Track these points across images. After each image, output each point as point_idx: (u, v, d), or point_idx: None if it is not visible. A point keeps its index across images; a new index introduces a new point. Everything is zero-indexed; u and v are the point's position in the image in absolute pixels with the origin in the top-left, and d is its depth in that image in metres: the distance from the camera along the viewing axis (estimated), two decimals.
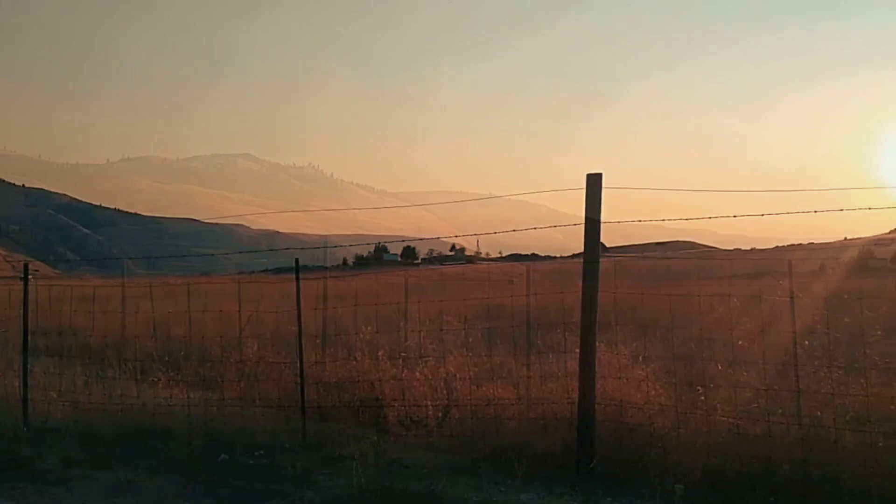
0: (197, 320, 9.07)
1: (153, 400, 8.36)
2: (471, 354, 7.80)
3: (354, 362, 7.96)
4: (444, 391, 7.36)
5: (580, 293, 6.29)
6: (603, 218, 6.25)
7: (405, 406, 7.23)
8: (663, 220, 6.78)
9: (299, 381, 7.54)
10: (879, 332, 6.26)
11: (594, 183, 6.30)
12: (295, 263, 7.69)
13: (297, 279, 7.61)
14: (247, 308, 11.74)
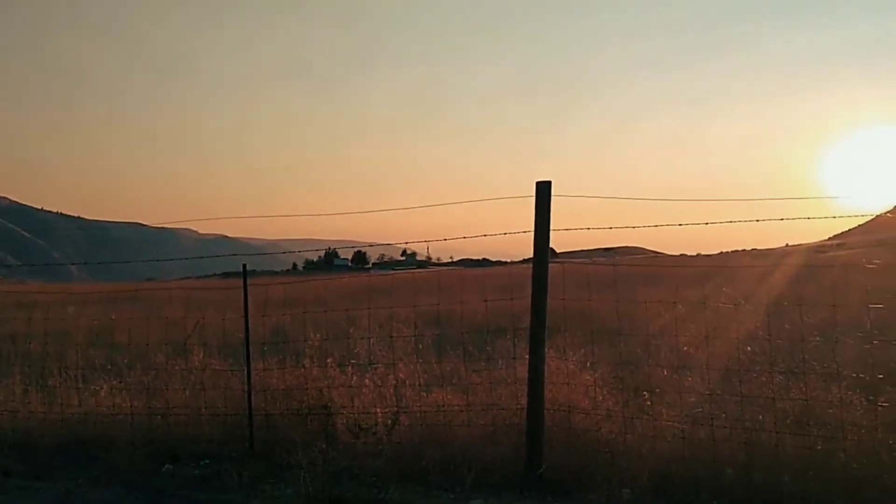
0: (141, 327, 8.89)
1: (95, 409, 8.18)
2: (421, 361, 7.80)
3: (303, 369, 7.88)
4: (394, 398, 7.35)
5: (530, 299, 6.35)
6: (553, 225, 6.31)
7: (354, 413, 7.19)
8: (611, 228, 6.89)
9: (246, 389, 7.45)
10: (818, 338, 6.43)
11: (543, 191, 6.36)
12: (242, 269, 7.60)
13: (245, 286, 7.51)
14: (193, 315, 11.56)
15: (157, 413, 7.94)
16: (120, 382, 8.54)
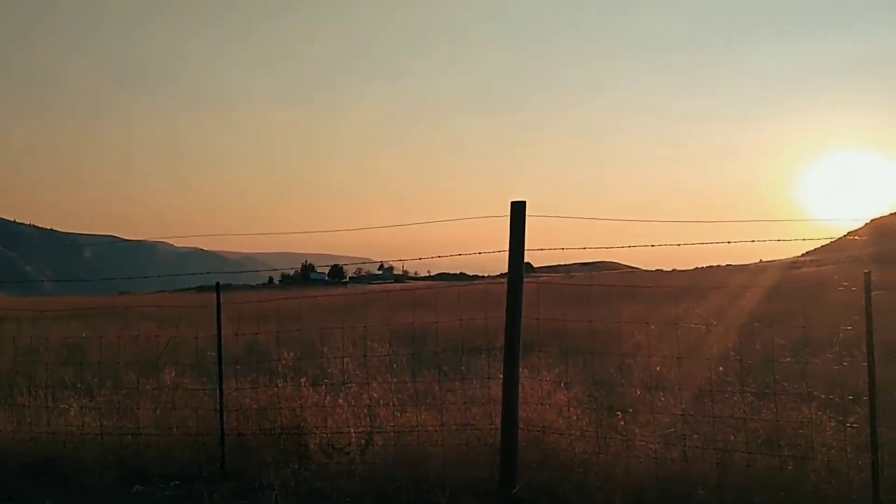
0: (113, 344, 8.79)
1: (65, 428, 8.05)
2: (395, 380, 7.77)
3: (276, 388, 7.82)
4: (368, 418, 7.31)
5: (505, 318, 6.35)
6: (529, 242, 6.33)
7: (327, 433, 7.14)
8: (585, 248, 6.93)
9: (218, 409, 7.37)
10: (788, 358, 6.50)
11: (518, 211, 6.37)
12: (216, 288, 7.53)
13: (218, 303, 7.45)
14: (166, 331, 11.46)
15: (128, 433, 7.83)
16: (90, 401, 8.41)
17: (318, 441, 7.10)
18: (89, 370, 9.12)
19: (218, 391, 7.44)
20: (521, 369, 6.41)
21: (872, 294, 5.71)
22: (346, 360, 7.95)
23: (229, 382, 7.80)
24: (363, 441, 6.97)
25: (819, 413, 6.24)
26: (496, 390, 6.61)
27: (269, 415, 7.52)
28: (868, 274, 5.72)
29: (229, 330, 8.02)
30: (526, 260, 6.38)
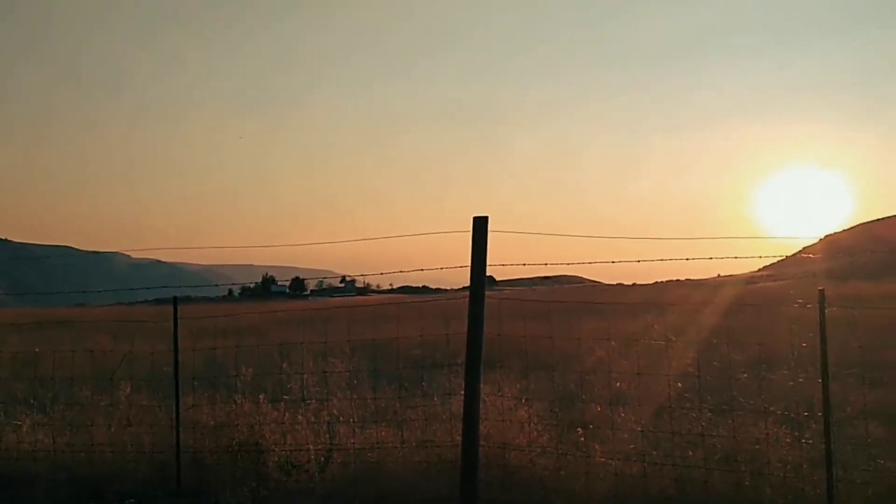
0: (67, 359, 8.58)
1: (17, 445, 7.86)
2: (355, 396, 7.70)
3: (234, 405, 7.70)
4: (327, 435, 7.23)
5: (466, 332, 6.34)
6: (492, 256, 6.34)
7: (286, 450, 7.04)
8: (546, 264, 6.97)
9: (174, 425, 7.24)
10: (745, 374, 6.58)
11: (480, 226, 6.38)
12: (173, 301, 7.41)
13: (175, 318, 7.33)
14: (122, 345, 11.22)
15: (81, 450, 7.65)
16: (43, 417, 8.21)
17: (276, 458, 7.00)
18: (42, 385, 8.92)
19: (174, 407, 7.30)
20: (482, 385, 6.40)
21: (826, 311, 5.81)
22: (305, 375, 7.86)
23: (186, 398, 7.67)
24: (322, 458, 6.89)
25: (775, 429, 6.33)
26: (457, 406, 6.59)
27: (226, 432, 7.40)
28: (822, 291, 5.83)
29: (187, 344, 7.89)
30: (489, 274, 6.38)
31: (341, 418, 7.35)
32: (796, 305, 7.00)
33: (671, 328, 7.46)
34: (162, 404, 7.92)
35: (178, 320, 7.35)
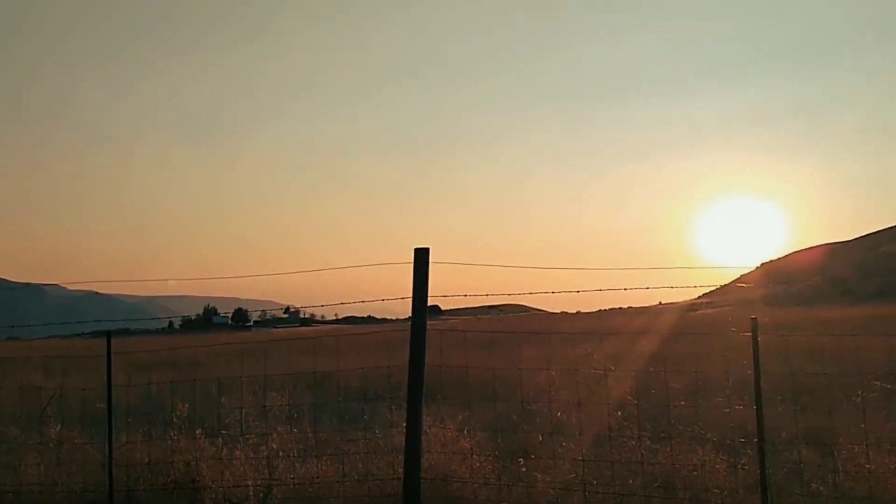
0: None
1: None
2: (295, 430, 7.58)
3: (170, 441, 7.50)
4: (266, 470, 7.08)
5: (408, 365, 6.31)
6: (437, 287, 6.34)
7: (224, 487, 6.87)
8: (488, 294, 7.03)
9: (107, 463, 7.01)
10: (683, 402, 6.69)
11: (422, 258, 6.38)
12: (106, 336, 7.21)
13: (108, 352, 7.12)
14: (53, 381, 10.88)
15: (9, 490, 7.34)
16: None
17: (213, 496, 6.82)
18: None
19: (107, 445, 7.07)
20: (424, 416, 6.36)
21: (760, 338, 5.95)
22: (244, 410, 7.70)
23: (119, 435, 7.44)
24: (262, 494, 6.75)
25: (712, 455, 6.43)
26: (399, 439, 6.53)
27: (161, 469, 7.19)
28: (755, 319, 5.96)
29: (122, 379, 7.68)
30: (435, 303, 6.38)
31: (281, 453, 7.22)
32: (733, 330, 7.16)
33: (611, 356, 7.55)
34: (94, 442, 7.67)
35: (112, 355, 7.14)
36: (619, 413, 6.88)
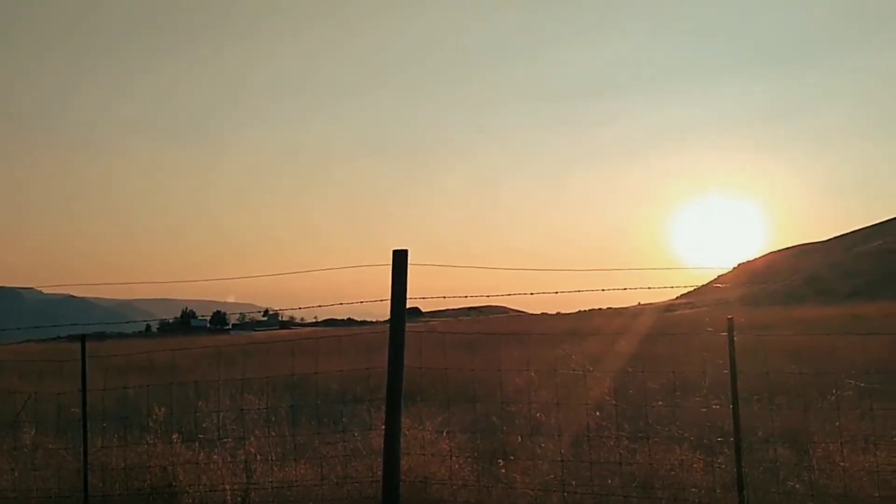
0: None
1: None
2: (274, 433, 7.53)
3: (146, 446, 7.42)
4: (244, 474, 7.03)
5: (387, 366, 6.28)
6: (418, 289, 6.33)
7: (201, 491, 6.82)
8: (467, 296, 7.03)
9: (82, 468, 6.93)
10: (661, 402, 6.72)
11: (400, 259, 6.36)
12: (81, 340, 7.13)
13: (83, 356, 7.04)
14: (28, 384, 10.75)
15: None
16: None
17: (190, 500, 6.77)
18: None
19: (82, 449, 7.00)
20: (403, 419, 6.34)
21: (736, 337, 5.99)
22: (221, 413, 7.64)
23: (95, 440, 7.36)
24: (239, 498, 6.70)
25: (690, 454, 6.47)
26: (378, 441, 6.51)
27: (137, 474, 7.12)
28: (731, 319, 6.01)
29: (98, 383, 7.59)
30: (414, 305, 6.37)
31: (259, 456, 7.17)
32: (709, 331, 7.22)
33: (589, 357, 7.58)
34: (69, 447, 7.58)
35: (87, 358, 7.06)
36: (598, 413, 6.91)
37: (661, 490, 6.25)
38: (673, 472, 6.37)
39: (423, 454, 6.82)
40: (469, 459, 6.91)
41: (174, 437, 7.49)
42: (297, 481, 6.83)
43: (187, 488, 6.88)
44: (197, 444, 7.43)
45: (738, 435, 5.88)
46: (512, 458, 6.85)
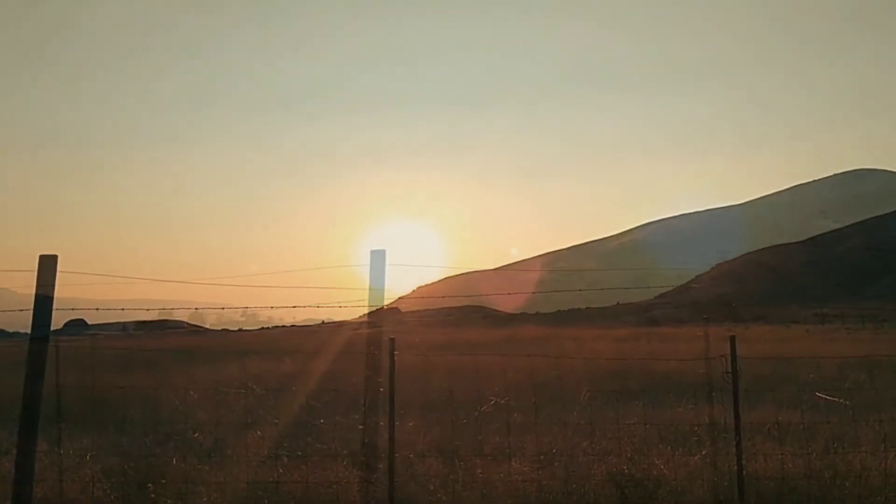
0: None
1: None
2: None
3: None
4: None
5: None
6: (74, 303, 5.82)
7: None
8: (123, 309, 6.55)
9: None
10: (322, 420, 6.80)
11: (47, 266, 5.80)
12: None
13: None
14: None
15: None
16: None
17: None
18: None
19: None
20: (40, 442, 5.74)
21: (398, 357, 6.28)
22: None
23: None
24: None
25: (347, 471, 6.60)
26: (7, 466, 5.83)
27: None
28: (393, 340, 6.29)
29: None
30: (79, 317, 5.84)
31: None
32: (373, 351, 7.45)
33: (254, 376, 7.47)
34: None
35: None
36: (259, 433, 6.80)
37: None
38: (330, 490, 6.45)
39: (61, 480, 6.21)
40: (115, 485, 6.40)
41: None
42: None
43: None
44: None
45: (392, 451, 6.14)
46: (164, 481, 6.47)
